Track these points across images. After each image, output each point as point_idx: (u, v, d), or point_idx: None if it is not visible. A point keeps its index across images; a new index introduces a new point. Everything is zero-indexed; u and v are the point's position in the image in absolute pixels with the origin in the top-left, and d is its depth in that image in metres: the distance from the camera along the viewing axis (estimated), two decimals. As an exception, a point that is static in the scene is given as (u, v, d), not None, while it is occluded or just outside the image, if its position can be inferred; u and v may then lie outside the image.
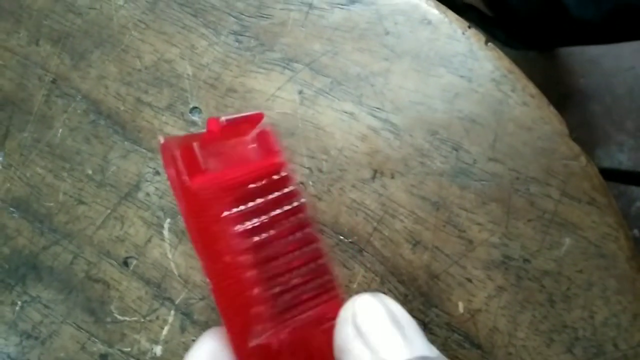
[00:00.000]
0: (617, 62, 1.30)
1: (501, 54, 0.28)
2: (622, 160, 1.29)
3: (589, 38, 0.95)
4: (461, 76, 0.28)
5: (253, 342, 0.20)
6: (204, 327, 0.29)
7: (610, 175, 1.18)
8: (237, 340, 0.20)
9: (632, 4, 0.81)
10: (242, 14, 0.30)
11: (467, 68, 0.28)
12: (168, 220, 0.30)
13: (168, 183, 0.30)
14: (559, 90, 1.30)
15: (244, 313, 0.21)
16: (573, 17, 0.89)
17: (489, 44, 0.28)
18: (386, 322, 0.19)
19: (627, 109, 1.30)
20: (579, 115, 1.30)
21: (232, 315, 0.21)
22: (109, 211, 0.30)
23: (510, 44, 1.24)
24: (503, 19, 1.10)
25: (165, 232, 0.30)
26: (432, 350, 0.19)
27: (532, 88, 0.27)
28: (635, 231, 1.26)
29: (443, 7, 0.28)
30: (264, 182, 0.21)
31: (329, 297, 0.21)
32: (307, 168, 0.29)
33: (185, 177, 0.19)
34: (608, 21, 0.86)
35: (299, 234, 0.21)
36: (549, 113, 0.27)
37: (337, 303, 0.21)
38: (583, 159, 0.27)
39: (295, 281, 0.21)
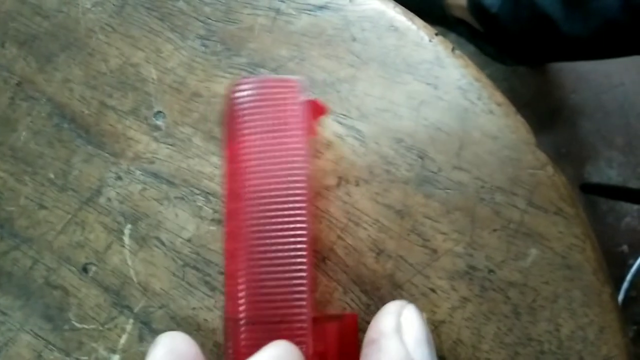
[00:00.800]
0: (607, 79, 1.31)
1: (468, 61, 0.28)
2: (612, 175, 1.29)
3: (578, 54, 0.96)
4: (427, 83, 0.28)
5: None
6: (163, 336, 0.28)
7: (600, 190, 1.18)
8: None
9: (619, 21, 0.82)
10: (209, 19, 0.29)
11: (434, 75, 0.28)
12: (129, 226, 0.29)
13: (130, 188, 0.29)
14: (549, 106, 1.30)
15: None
16: (562, 33, 0.90)
17: (456, 51, 0.28)
18: (424, 333, 0.21)
19: (616, 125, 1.31)
20: (569, 131, 1.31)
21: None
22: (70, 216, 0.29)
23: (500, 59, 1.25)
24: (493, 34, 1.11)
25: (126, 239, 0.29)
26: None
27: (498, 96, 0.27)
28: (625, 247, 1.26)
29: (410, 14, 0.28)
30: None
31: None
32: (272, 174, 0.28)
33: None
34: (596, 37, 0.87)
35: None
36: (516, 122, 0.27)
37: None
38: (550, 168, 0.27)
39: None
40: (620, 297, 1.08)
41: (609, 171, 1.29)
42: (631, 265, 1.17)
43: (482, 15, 1.06)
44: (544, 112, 1.30)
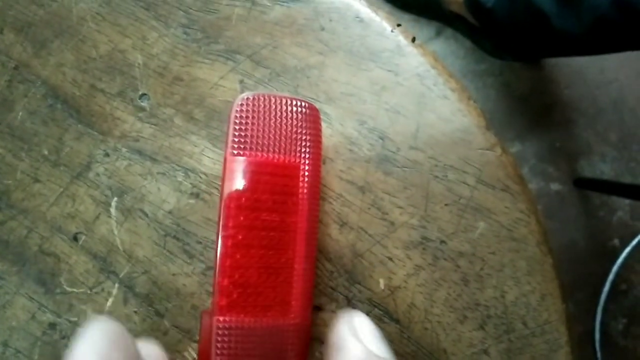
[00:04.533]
0: (601, 75, 1.33)
1: (426, 50, 0.30)
2: (605, 170, 1.31)
3: (571, 49, 0.98)
4: (388, 70, 0.30)
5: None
6: (145, 299, 0.31)
7: (593, 185, 1.20)
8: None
9: (610, 18, 0.84)
10: (191, 9, 0.32)
11: (394, 63, 0.30)
12: (115, 199, 0.32)
13: (116, 164, 0.32)
14: (543, 101, 1.32)
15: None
16: (555, 28, 0.92)
17: (416, 41, 0.30)
18: (376, 331, 0.23)
19: (610, 120, 1.32)
20: (563, 126, 1.32)
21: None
22: (61, 189, 0.32)
23: (496, 55, 1.27)
24: (489, 29, 1.13)
25: (113, 210, 0.32)
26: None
27: (453, 83, 0.30)
28: (616, 241, 1.28)
29: (374, 6, 0.31)
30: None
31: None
32: (246, 152, 0.31)
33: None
34: (588, 33, 0.89)
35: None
36: (468, 106, 0.29)
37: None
38: (499, 148, 0.29)
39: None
40: (606, 288, 1.09)
41: (602, 166, 1.31)
42: (622, 260, 1.19)
43: (477, 10, 1.08)
44: (539, 107, 1.32)
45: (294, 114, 0.25)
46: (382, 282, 0.29)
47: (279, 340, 0.25)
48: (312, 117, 0.26)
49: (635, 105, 1.33)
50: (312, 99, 0.30)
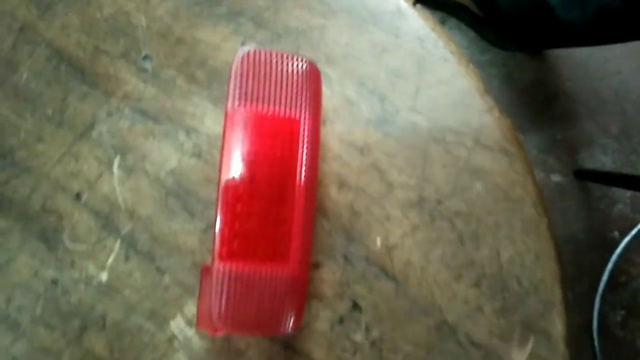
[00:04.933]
0: (604, 67, 1.33)
1: (427, 14, 0.30)
2: (606, 162, 1.31)
3: (575, 39, 0.98)
4: (389, 33, 0.30)
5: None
6: (147, 256, 0.31)
7: (593, 176, 1.20)
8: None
9: (613, 8, 0.84)
10: (194, -29, 0.32)
11: (395, 26, 0.30)
12: (118, 158, 0.32)
13: (119, 124, 0.32)
14: (546, 92, 1.32)
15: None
16: (559, 19, 0.92)
17: (417, 5, 0.31)
18: None
19: (611, 112, 1.32)
20: (565, 117, 1.33)
21: None
22: (65, 149, 0.33)
23: (500, 45, 1.27)
24: (493, 19, 1.13)
25: (115, 169, 0.32)
26: None
27: (453, 46, 0.30)
28: (616, 233, 1.28)
29: (376, -30, 0.31)
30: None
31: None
32: (247, 113, 0.31)
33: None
34: (591, 23, 0.89)
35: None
36: (468, 69, 0.30)
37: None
38: (496, 111, 0.29)
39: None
40: (605, 278, 1.10)
41: (603, 158, 1.31)
42: (621, 250, 1.19)
43: (482, 0, 1.08)
44: (541, 99, 1.32)
45: (295, 69, 0.26)
46: (379, 240, 0.30)
47: (276, 291, 0.25)
48: (313, 75, 0.26)
49: (637, 98, 1.33)
50: (314, 60, 0.31)
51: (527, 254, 0.29)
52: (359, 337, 0.29)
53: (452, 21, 1.26)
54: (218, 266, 0.24)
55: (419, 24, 0.30)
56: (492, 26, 1.17)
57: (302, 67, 0.26)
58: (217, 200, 0.25)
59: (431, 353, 0.29)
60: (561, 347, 0.29)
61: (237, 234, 0.25)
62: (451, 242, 0.29)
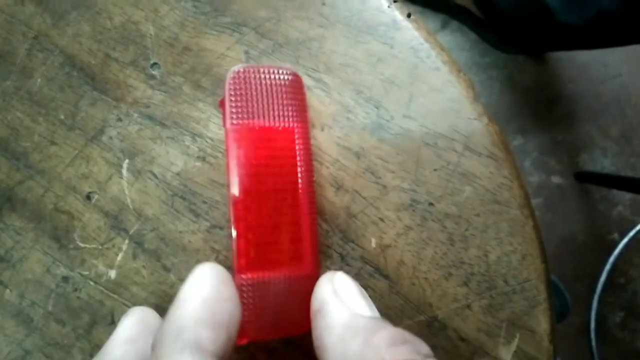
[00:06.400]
0: (605, 70, 1.34)
1: (421, 25, 0.32)
2: (605, 164, 1.32)
3: (576, 42, 0.99)
4: (384, 43, 0.32)
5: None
6: (153, 255, 0.33)
7: (593, 178, 1.21)
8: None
9: (612, 11, 0.85)
10: (200, -16, 0.34)
11: (390, 36, 0.32)
12: (127, 160, 0.34)
13: (128, 128, 0.34)
14: (547, 95, 1.33)
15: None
16: (559, 22, 0.93)
17: (411, 16, 0.32)
18: (356, 288, 0.24)
19: (612, 115, 1.33)
20: (565, 120, 1.34)
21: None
22: (76, 151, 0.34)
23: (501, 48, 1.28)
24: (494, 22, 1.14)
25: (124, 171, 0.34)
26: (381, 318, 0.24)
27: (445, 56, 0.32)
28: (616, 235, 1.29)
29: (372, -17, 0.33)
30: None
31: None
32: (249, 119, 0.33)
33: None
34: (591, 26, 0.90)
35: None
36: (458, 78, 0.31)
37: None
38: (485, 118, 0.31)
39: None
40: (603, 278, 1.11)
41: (603, 160, 1.32)
42: (620, 253, 1.20)
43: (483, 3, 1.09)
44: (542, 101, 1.33)
45: (281, 80, 0.27)
46: (373, 241, 0.31)
47: (295, 290, 0.27)
48: (296, 83, 0.28)
49: (638, 101, 1.34)
50: (313, 69, 0.33)
51: (514, 254, 0.30)
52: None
53: (454, 24, 1.27)
54: (240, 277, 0.26)
55: (413, 35, 0.32)
56: (493, 29, 1.18)
57: (286, 78, 0.28)
58: (229, 215, 0.27)
59: (422, 348, 0.30)
60: (545, 343, 0.30)
61: (252, 244, 0.26)
62: (442, 243, 0.31)
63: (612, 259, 1.13)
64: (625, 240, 1.13)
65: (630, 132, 1.32)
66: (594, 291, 1.19)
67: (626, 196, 1.28)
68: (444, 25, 1.27)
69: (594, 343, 1.11)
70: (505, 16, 1.06)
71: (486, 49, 1.30)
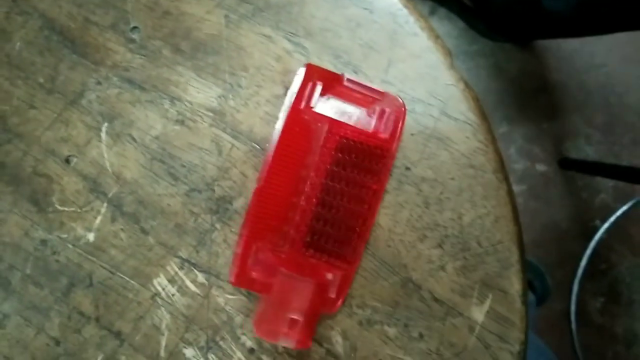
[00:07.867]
0: (591, 59, 1.35)
1: (400, -9, 0.32)
2: (589, 152, 1.33)
3: (561, 30, 1.00)
4: (364, 8, 0.32)
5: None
6: (131, 218, 0.33)
7: (577, 166, 1.23)
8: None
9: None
10: (180, -53, 0.34)
11: (369, 1, 0.32)
12: (106, 124, 0.34)
13: (108, 92, 0.34)
14: (533, 83, 1.34)
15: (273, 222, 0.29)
16: (545, 9, 0.94)
17: (390, -17, 0.32)
18: None
19: (597, 104, 1.35)
20: (551, 108, 1.35)
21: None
22: (55, 115, 0.34)
23: (488, 36, 1.29)
24: (482, 10, 1.14)
25: (103, 135, 0.34)
26: None
27: (423, 22, 0.32)
28: (598, 222, 1.31)
29: (352, -51, 0.33)
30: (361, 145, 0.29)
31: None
32: (229, 83, 0.33)
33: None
34: (577, 13, 0.91)
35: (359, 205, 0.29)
36: (436, 44, 0.32)
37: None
38: (462, 84, 0.31)
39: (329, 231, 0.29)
40: (583, 263, 1.13)
41: (587, 148, 1.33)
42: (601, 239, 1.22)
43: (470, -11, 1.09)
44: (528, 89, 1.34)
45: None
46: (350, 203, 0.31)
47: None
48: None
49: (622, 90, 1.35)
50: (292, 33, 0.33)
51: (487, 217, 0.31)
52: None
53: (442, 11, 1.27)
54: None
55: (392, 1, 0.32)
56: (481, 16, 1.19)
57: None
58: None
59: (397, 308, 0.31)
60: (518, 304, 0.31)
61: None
62: (417, 206, 0.31)
63: (592, 244, 1.15)
64: (606, 225, 1.15)
65: (613, 121, 1.33)
66: (575, 277, 1.21)
67: (609, 183, 1.30)
68: (431, 13, 1.27)
69: (574, 327, 1.12)
70: (493, 4, 1.06)
71: (474, 36, 1.31)
